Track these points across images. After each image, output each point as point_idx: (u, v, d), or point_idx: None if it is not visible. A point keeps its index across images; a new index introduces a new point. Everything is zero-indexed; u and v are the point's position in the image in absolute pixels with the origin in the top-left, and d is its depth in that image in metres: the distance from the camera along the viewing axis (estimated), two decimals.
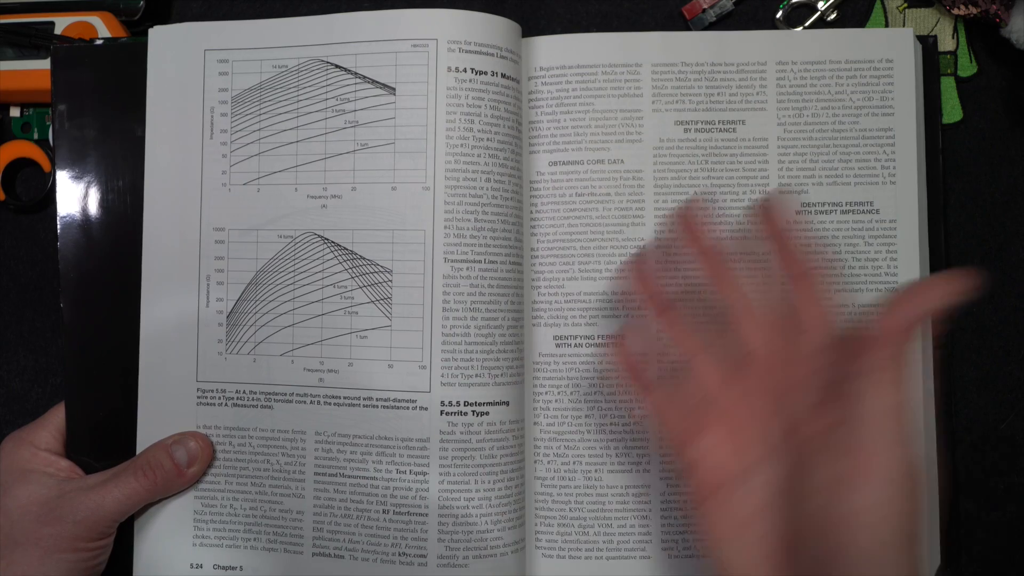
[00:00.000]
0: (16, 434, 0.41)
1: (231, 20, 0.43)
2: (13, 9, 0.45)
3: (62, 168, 0.42)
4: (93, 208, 0.42)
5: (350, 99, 0.41)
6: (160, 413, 0.42)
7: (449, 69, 0.40)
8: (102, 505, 0.38)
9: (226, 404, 0.41)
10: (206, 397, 0.42)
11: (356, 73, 0.41)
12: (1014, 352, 0.45)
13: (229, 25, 0.42)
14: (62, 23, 0.45)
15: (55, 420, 0.42)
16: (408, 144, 0.40)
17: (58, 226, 0.42)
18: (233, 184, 0.42)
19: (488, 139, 0.41)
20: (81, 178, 0.42)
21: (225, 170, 0.42)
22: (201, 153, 0.42)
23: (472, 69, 0.40)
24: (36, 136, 0.47)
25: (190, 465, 0.40)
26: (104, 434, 0.42)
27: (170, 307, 0.42)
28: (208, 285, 0.42)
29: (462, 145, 0.40)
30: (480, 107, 0.40)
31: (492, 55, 0.41)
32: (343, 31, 0.41)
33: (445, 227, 0.40)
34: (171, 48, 0.42)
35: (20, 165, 0.47)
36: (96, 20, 0.45)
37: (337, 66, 0.41)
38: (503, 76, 0.41)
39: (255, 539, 0.41)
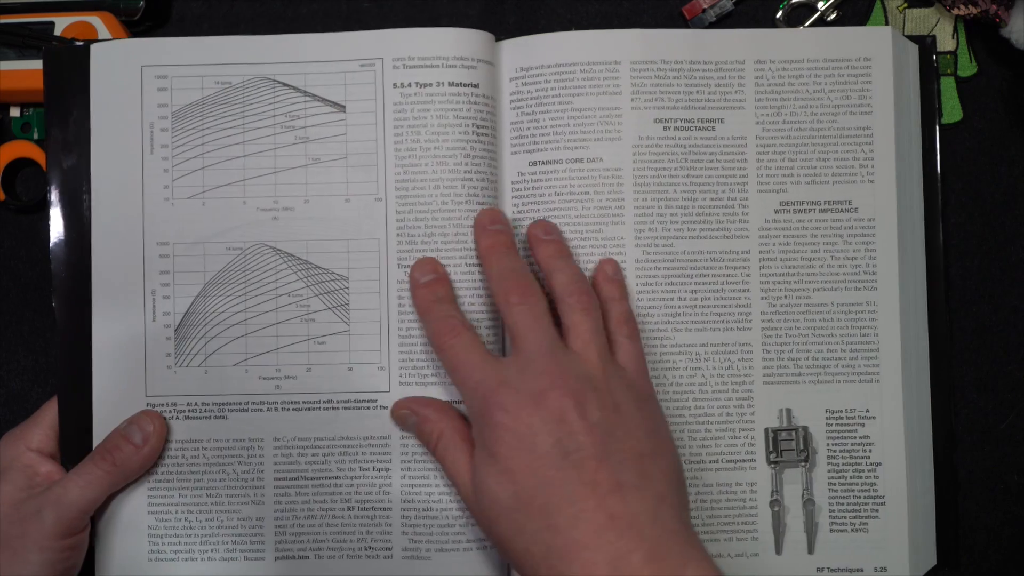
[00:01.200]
0: (12, 432, 0.41)
1: (187, 35, 0.43)
2: (13, 9, 0.45)
3: (53, 168, 0.43)
4: (82, 208, 0.42)
5: (300, 116, 0.42)
6: (111, 427, 0.41)
7: (395, 85, 0.42)
8: (65, 497, 0.38)
9: (177, 417, 0.41)
10: (156, 411, 0.41)
11: (306, 92, 0.42)
12: (1014, 352, 0.45)
13: (167, 42, 0.43)
14: (62, 23, 0.45)
15: (48, 418, 0.41)
16: (360, 158, 0.42)
17: (50, 226, 0.42)
18: (176, 198, 0.42)
19: (436, 148, 0.41)
20: (71, 178, 0.43)
21: (167, 184, 0.42)
22: (141, 168, 0.42)
23: (416, 83, 0.42)
24: (36, 136, 0.47)
25: (145, 440, 0.40)
26: (88, 440, 0.42)
27: (117, 323, 0.41)
28: (154, 300, 0.42)
29: (410, 156, 0.41)
30: (426, 118, 0.42)
31: (437, 66, 0.42)
32: (291, 52, 0.42)
33: (398, 235, 0.41)
34: (110, 64, 0.42)
35: (20, 165, 0.47)
36: (96, 20, 0.45)
37: (285, 84, 0.42)
38: (451, 84, 0.42)
39: (212, 550, 0.41)
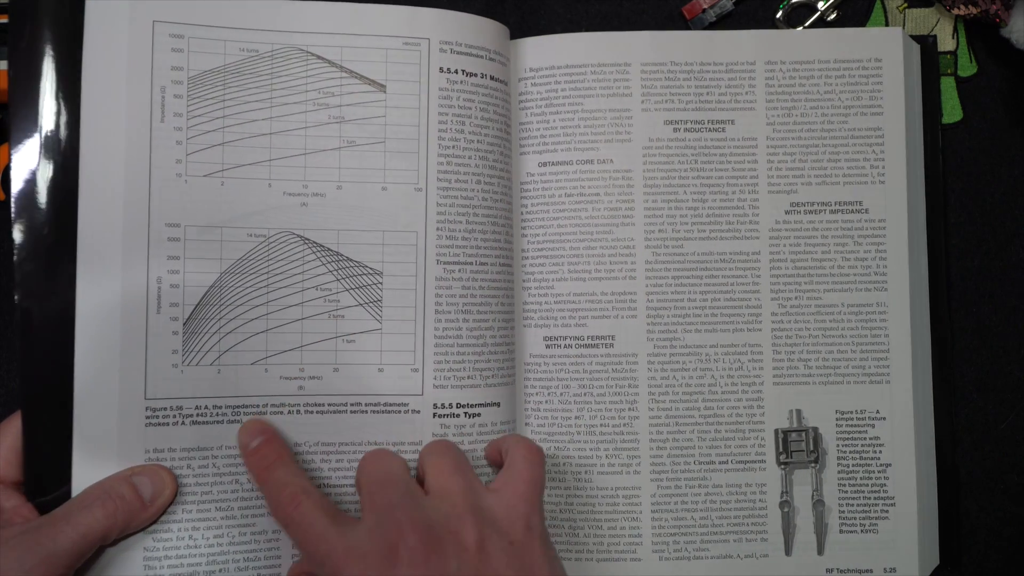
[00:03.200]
0: None
1: None
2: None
3: (17, 143, 0.37)
4: (43, 186, 0.37)
5: (335, 93, 0.39)
6: (99, 438, 0.36)
7: (441, 70, 0.40)
8: (54, 547, 0.32)
9: (183, 422, 0.37)
10: (157, 416, 0.37)
11: (342, 67, 0.39)
12: (1014, 352, 0.45)
13: None
14: None
15: (7, 440, 0.35)
16: (400, 144, 0.40)
17: (12, 210, 0.37)
18: (191, 175, 0.38)
19: (478, 141, 0.40)
20: (36, 157, 0.37)
21: (180, 159, 0.38)
22: (149, 138, 0.37)
23: (463, 71, 0.40)
24: None
25: (155, 498, 0.35)
26: (65, 455, 0.36)
27: (111, 314, 0.36)
28: (159, 289, 0.37)
29: (454, 147, 0.40)
30: (471, 109, 0.40)
31: (482, 57, 0.41)
32: (325, 21, 0.39)
33: (438, 228, 0.40)
34: (113, 16, 0.37)
35: None
36: None
37: (320, 57, 0.39)
38: (492, 78, 0.41)
39: (221, 570, 0.37)
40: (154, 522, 0.36)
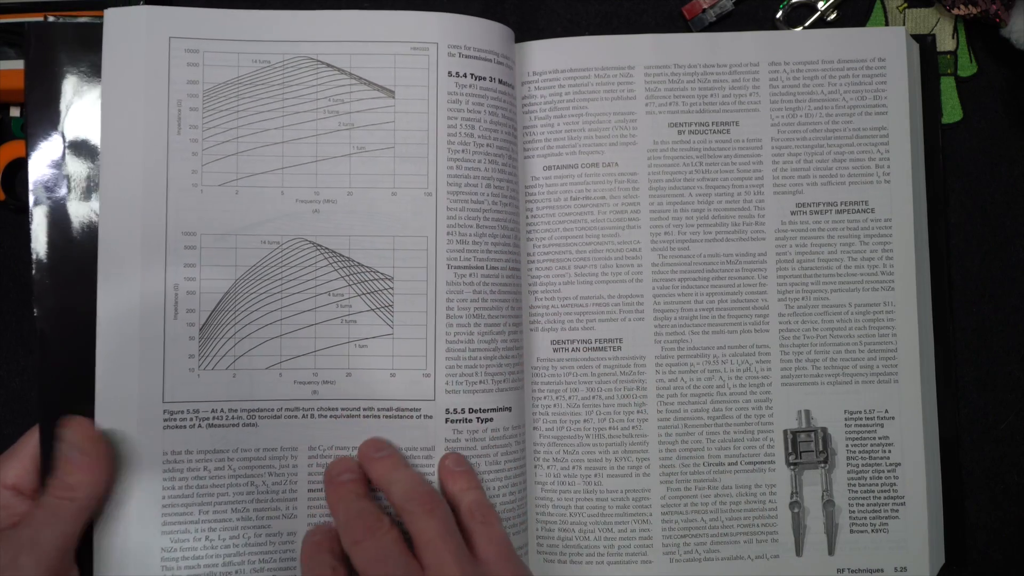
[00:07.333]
0: None
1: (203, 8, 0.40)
2: (13, 9, 0.45)
3: (35, 162, 0.39)
4: (69, 206, 0.39)
5: (344, 100, 0.40)
6: (118, 442, 0.37)
7: (450, 74, 0.40)
8: (39, 538, 0.33)
9: (200, 425, 0.38)
10: (175, 419, 0.38)
11: (351, 74, 0.40)
12: (1014, 352, 0.45)
13: (197, 12, 0.39)
14: None
15: (28, 449, 0.36)
16: (409, 149, 0.40)
17: (31, 224, 0.38)
18: (206, 185, 0.39)
19: (488, 144, 0.40)
20: (55, 173, 0.39)
21: (196, 169, 0.39)
22: (167, 149, 0.38)
23: (472, 74, 0.40)
24: None
25: (84, 455, 0.35)
26: None
27: (130, 321, 0.37)
28: (176, 295, 0.38)
29: (463, 151, 0.40)
30: (480, 112, 0.40)
31: (490, 60, 0.41)
32: (333, 29, 0.40)
33: (448, 233, 0.40)
34: (130, 33, 0.38)
35: (20, 165, 0.45)
36: None
37: (329, 65, 0.40)
38: (500, 82, 0.41)
39: (237, 571, 0.38)
40: (113, 473, 0.36)
